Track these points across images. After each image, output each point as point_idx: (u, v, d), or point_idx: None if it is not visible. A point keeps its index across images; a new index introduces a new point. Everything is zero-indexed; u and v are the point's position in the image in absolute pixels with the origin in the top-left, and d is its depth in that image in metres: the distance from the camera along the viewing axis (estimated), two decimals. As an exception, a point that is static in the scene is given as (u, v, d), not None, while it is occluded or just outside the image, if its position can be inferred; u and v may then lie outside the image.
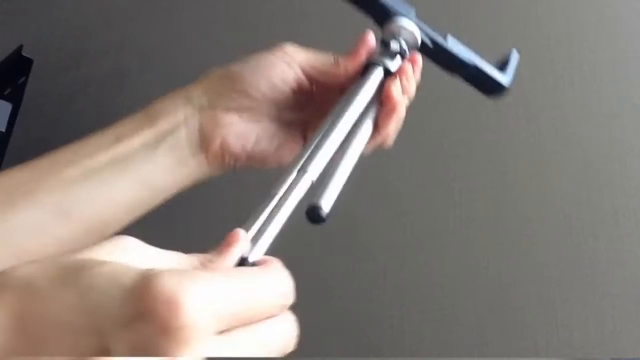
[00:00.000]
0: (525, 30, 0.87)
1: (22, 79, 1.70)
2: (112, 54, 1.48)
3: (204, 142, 0.48)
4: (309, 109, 0.51)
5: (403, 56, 0.47)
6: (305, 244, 0.87)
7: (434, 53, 0.48)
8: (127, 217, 0.48)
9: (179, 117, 0.48)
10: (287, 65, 0.48)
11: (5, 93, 1.74)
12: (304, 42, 0.50)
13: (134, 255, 0.26)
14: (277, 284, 0.27)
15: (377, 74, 0.46)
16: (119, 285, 0.23)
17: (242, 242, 0.30)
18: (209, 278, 0.24)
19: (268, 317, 0.26)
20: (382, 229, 0.89)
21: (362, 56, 0.47)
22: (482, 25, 0.91)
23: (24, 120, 1.65)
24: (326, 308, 0.88)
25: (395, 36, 0.46)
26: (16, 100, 1.68)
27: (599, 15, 0.83)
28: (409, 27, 0.46)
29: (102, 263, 0.25)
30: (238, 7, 1.26)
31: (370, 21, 0.48)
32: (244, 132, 0.49)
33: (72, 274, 0.24)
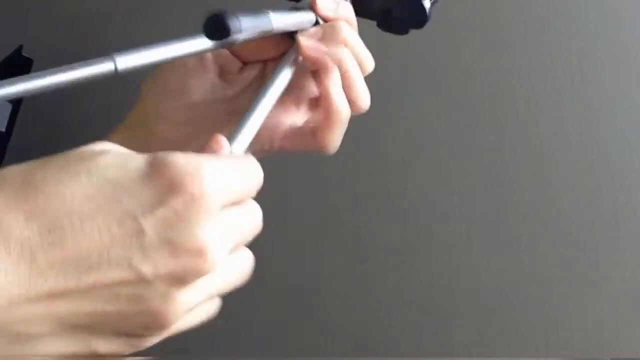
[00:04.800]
0: (525, 30, 0.87)
1: (22, 79, 1.70)
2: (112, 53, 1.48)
3: None
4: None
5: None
6: (305, 243, 0.87)
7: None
8: None
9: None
10: None
11: (5, 93, 1.74)
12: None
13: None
14: (259, 171, 0.29)
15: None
16: (133, 170, 0.24)
17: (224, 147, 0.31)
18: (214, 158, 0.27)
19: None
20: (382, 229, 0.89)
21: None
22: (482, 26, 0.91)
23: (24, 120, 1.65)
24: (326, 308, 0.88)
25: None
26: (16, 100, 1.68)
27: (599, 15, 0.83)
28: None
29: (101, 152, 0.25)
30: (239, 7, 1.26)
31: None
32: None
33: (73, 167, 0.24)
